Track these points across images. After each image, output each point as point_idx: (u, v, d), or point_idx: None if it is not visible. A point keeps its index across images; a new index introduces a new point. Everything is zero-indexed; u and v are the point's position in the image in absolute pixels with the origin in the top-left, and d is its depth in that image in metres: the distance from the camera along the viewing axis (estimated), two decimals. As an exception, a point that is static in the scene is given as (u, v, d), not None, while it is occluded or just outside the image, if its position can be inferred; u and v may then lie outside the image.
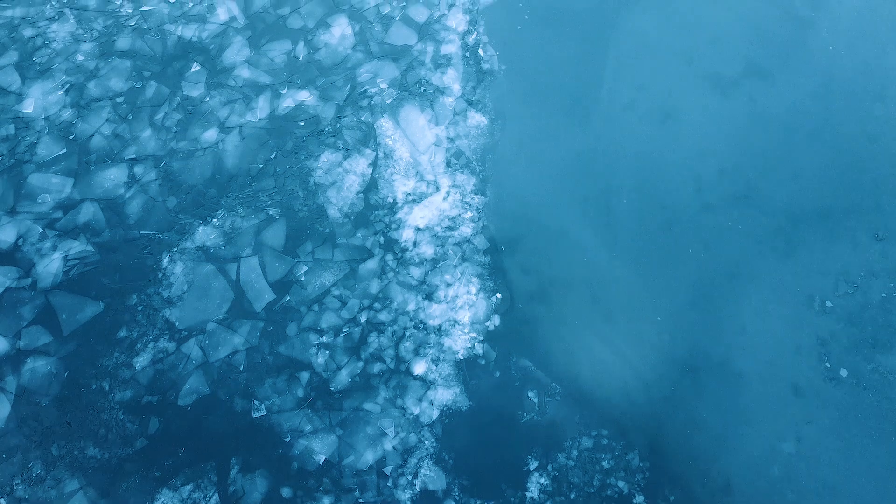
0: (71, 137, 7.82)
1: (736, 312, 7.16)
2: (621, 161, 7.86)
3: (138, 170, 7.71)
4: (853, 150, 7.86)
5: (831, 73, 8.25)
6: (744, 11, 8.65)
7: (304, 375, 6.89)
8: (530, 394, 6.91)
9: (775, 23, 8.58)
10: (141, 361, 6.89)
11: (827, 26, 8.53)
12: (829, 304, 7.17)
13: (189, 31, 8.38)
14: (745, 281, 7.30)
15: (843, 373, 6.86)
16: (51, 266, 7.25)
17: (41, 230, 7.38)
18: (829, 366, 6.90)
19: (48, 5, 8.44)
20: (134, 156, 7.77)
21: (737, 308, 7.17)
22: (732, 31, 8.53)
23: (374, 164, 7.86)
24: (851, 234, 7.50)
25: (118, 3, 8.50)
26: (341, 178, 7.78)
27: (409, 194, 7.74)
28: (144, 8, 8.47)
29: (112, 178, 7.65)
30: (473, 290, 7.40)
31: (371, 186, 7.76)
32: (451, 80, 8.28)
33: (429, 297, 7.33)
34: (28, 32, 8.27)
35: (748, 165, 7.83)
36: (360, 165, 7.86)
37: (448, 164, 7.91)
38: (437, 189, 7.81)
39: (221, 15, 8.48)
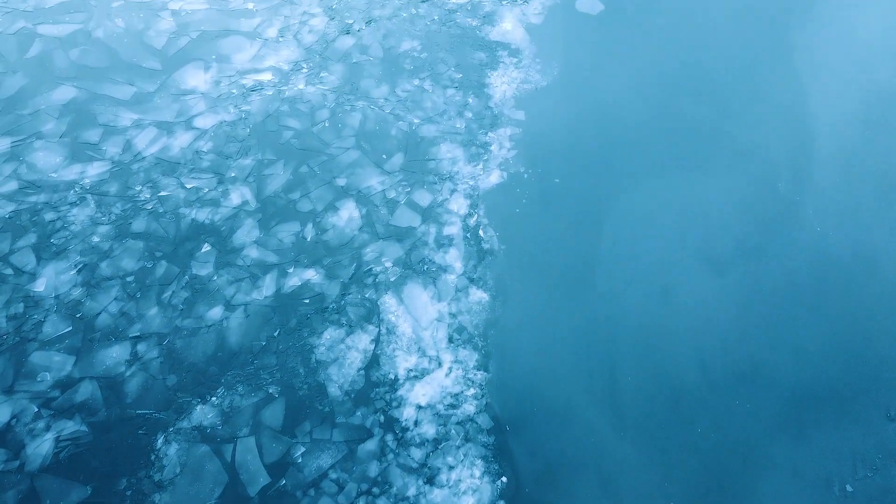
0: (78, 315, 7.92)
1: (752, 501, 6.82)
2: (623, 337, 7.89)
3: (141, 347, 7.73)
4: (853, 327, 7.91)
5: (822, 252, 8.51)
6: (730, 193, 9.09)
7: (297, 569, 6.43)
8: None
9: (762, 204, 8.99)
10: (124, 553, 6.48)
11: (812, 206, 8.93)
12: (849, 488, 6.85)
13: (202, 214, 8.77)
14: (759, 465, 7.03)
15: (875, 566, 6.41)
16: (41, 447, 7.05)
17: (36, 409, 7.25)
18: (858, 558, 6.46)
19: (71, 191, 8.91)
20: (138, 333, 7.82)
21: (753, 496, 6.84)
22: (721, 211, 8.92)
23: (376, 341, 7.90)
24: (863, 414, 7.34)
25: (138, 188, 8.99)
26: (343, 355, 7.78)
27: (411, 370, 7.70)
28: (162, 193, 8.94)
29: (114, 355, 7.65)
30: (477, 473, 7.11)
31: (373, 363, 7.73)
32: (453, 258, 8.54)
33: (430, 480, 7.03)
34: (49, 216, 8.67)
35: (751, 342, 7.84)
36: (362, 342, 7.89)
37: (450, 340, 7.94)
38: (440, 365, 7.78)
39: (235, 199, 8.92)
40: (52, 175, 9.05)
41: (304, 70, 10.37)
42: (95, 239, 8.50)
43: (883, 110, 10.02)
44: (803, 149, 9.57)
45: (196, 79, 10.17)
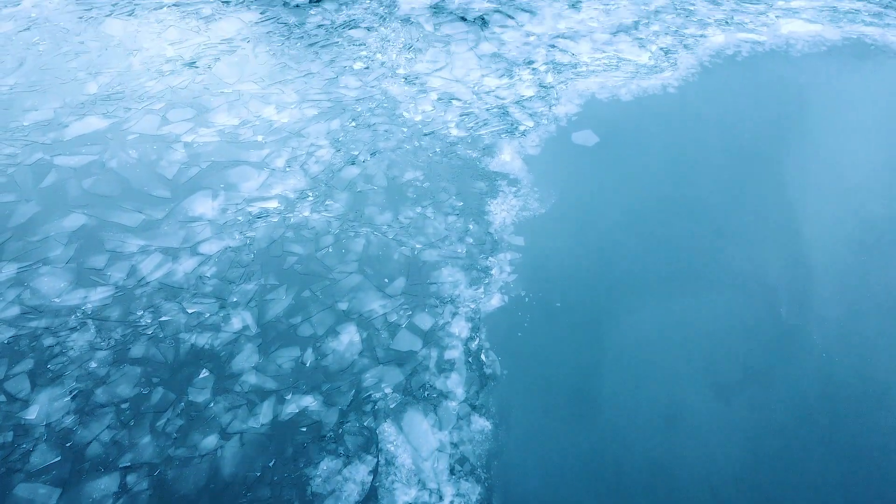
0: (68, 445, 7.68)
1: None
2: (630, 465, 7.60)
3: (131, 479, 7.44)
4: (868, 462, 7.63)
5: (829, 380, 8.37)
6: (731, 318, 9.07)
7: None
8: None
9: (764, 328, 8.94)
10: None
11: (815, 331, 8.88)
12: None
13: (202, 339, 8.73)
14: None
15: None
16: (16, 590, 6.62)
17: (15, 547, 6.88)
18: None
19: (72, 316, 8.92)
20: (129, 463, 7.56)
21: None
22: (724, 336, 8.86)
23: (374, 472, 7.61)
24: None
25: (139, 313, 9.00)
26: (340, 487, 7.46)
27: (411, 504, 7.37)
28: (163, 318, 8.94)
29: (102, 487, 7.35)
30: None
31: (370, 496, 7.40)
32: (455, 384, 8.39)
33: None
34: (48, 341, 8.63)
35: (763, 476, 7.53)
36: (360, 473, 7.60)
37: (452, 472, 7.64)
38: (441, 499, 7.44)
39: (235, 324, 8.91)
40: (55, 300, 9.10)
41: (310, 198, 10.68)
42: (93, 364, 8.41)
43: (877, 235, 10.20)
44: (801, 273, 9.65)
45: (204, 206, 10.45)
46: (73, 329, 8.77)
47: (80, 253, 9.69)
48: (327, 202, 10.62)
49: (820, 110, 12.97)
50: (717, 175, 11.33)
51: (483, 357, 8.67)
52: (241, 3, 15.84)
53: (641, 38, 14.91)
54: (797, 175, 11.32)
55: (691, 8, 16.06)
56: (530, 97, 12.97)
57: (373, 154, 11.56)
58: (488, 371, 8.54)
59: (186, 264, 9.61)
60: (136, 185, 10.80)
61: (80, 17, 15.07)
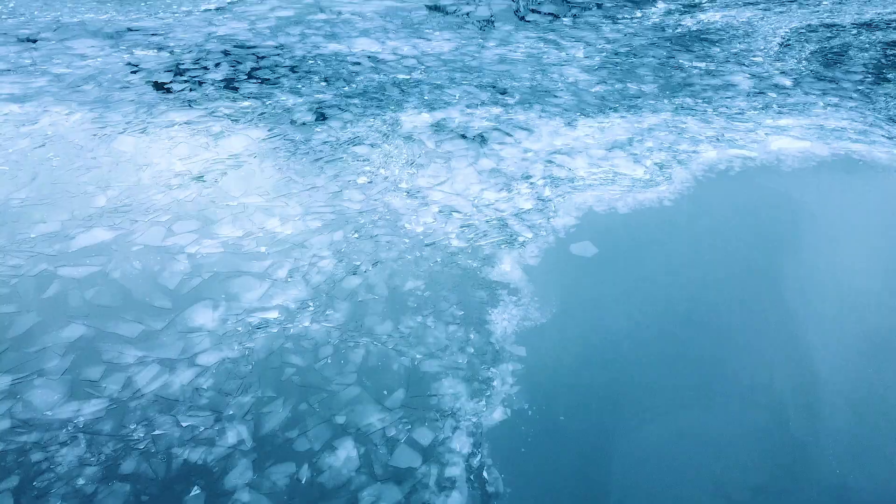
0: (47, 569, 7.27)
1: None
2: None
3: None
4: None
5: (842, 496, 8.03)
6: (740, 432, 8.82)
7: None
8: None
9: (775, 443, 8.67)
10: None
11: (828, 447, 8.61)
12: None
13: (196, 455, 8.45)
14: None
15: None
16: None
17: None
18: None
19: (64, 430, 8.69)
20: (110, 591, 7.11)
21: None
22: (734, 451, 8.58)
23: None
24: None
25: (132, 427, 8.77)
26: None
27: None
28: (157, 432, 8.70)
29: None
30: None
31: None
32: (456, 503, 8.04)
33: None
34: (36, 457, 8.35)
35: None
36: None
37: None
38: None
39: (230, 438, 8.66)
40: (48, 413, 8.89)
41: (311, 308, 10.68)
42: (80, 481, 8.09)
43: (882, 347, 10.12)
44: (809, 385, 9.49)
45: (204, 317, 10.43)
46: (63, 444, 8.51)
47: (77, 364, 9.57)
48: (328, 312, 10.61)
49: (815, 223, 13.22)
50: (717, 286, 11.39)
51: (485, 474, 8.37)
52: (250, 121, 16.51)
53: (636, 154, 15.43)
54: (798, 287, 11.36)
55: (683, 126, 16.72)
56: (529, 210, 13.25)
57: (374, 264, 11.67)
58: (491, 489, 8.21)
59: (183, 376, 9.48)
60: (137, 296, 10.83)
61: (94, 135, 15.65)
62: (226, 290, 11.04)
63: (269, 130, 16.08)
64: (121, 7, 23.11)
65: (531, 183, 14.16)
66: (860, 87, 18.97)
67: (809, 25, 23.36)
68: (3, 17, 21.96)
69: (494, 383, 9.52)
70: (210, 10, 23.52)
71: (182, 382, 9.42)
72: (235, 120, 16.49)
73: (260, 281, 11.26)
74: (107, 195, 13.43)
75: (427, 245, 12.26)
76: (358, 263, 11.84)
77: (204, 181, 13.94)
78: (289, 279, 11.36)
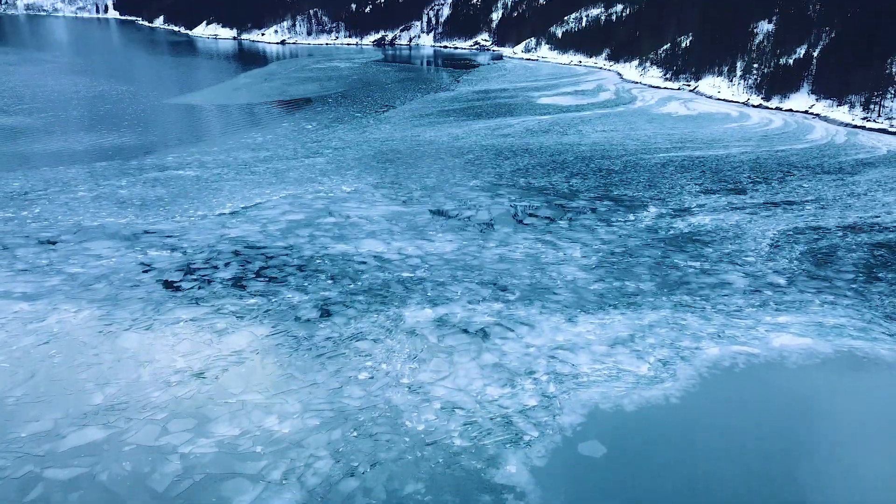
0: None
1: None
2: None
3: None
4: None
5: None
6: None
7: None
8: None
9: None
10: None
11: None
12: None
13: None
14: None
15: None
16: None
17: None
18: None
19: None
20: None
21: None
22: None
23: None
24: None
25: None
26: None
27: None
28: None
29: None
30: None
31: None
32: None
33: None
34: None
35: None
36: None
37: None
38: None
39: None
40: None
41: (305, 514, 10.06)
42: None
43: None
44: None
45: (191, 524, 9.80)
46: None
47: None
48: (323, 519, 9.97)
49: (825, 421, 12.94)
50: (730, 485, 10.87)
51: None
52: (255, 318, 16.74)
53: (639, 350, 15.43)
54: (813, 487, 10.83)
55: (683, 322, 16.90)
56: (534, 406, 12.99)
57: (373, 465, 11.19)
58: None
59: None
60: (122, 500, 10.27)
61: (100, 332, 15.81)
62: (217, 493, 10.47)
63: (273, 327, 16.24)
64: (140, 211, 24.44)
65: (535, 379, 14.00)
66: (854, 286, 19.48)
67: (796, 228, 24.49)
68: (28, 221, 23.18)
69: None
70: (224, 213, 24.86)
71: None
72: (240, 317, 16.72)
73: (253, 483, 10.72)
74: (104, 392, 13.23)
75: (428, 444, 11.80)
76: (356, 464, 11.32)
77: (204, 378, 13.80)
78: (284, 481, 10.80)
